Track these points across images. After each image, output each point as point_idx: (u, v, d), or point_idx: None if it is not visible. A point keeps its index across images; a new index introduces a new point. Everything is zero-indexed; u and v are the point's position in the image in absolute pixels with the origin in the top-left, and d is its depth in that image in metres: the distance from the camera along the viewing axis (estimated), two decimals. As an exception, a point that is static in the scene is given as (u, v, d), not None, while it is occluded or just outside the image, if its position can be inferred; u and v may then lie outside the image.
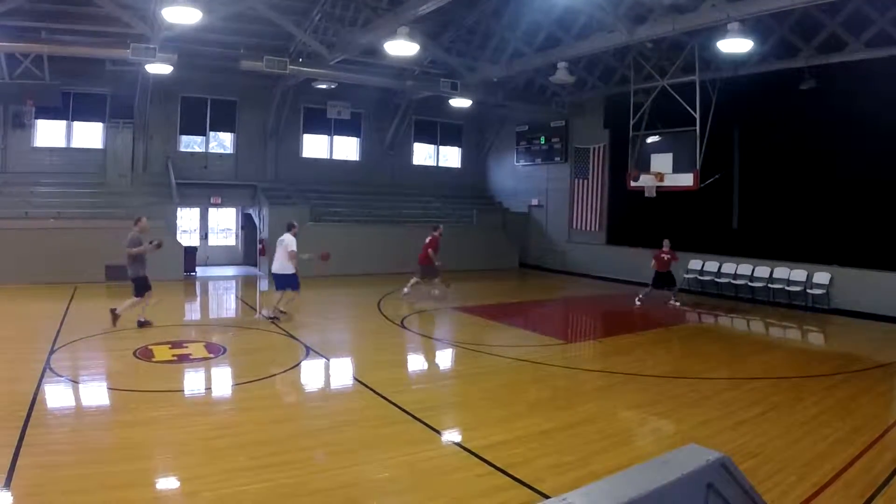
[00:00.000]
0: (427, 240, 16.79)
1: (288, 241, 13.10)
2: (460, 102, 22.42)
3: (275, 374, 8.96)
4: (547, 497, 4.92)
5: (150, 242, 11.79)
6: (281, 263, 13.08)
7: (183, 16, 13.12)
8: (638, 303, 16.21)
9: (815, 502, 5.19)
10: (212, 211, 23.53)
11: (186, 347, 10.33)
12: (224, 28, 17.03)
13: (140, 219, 12.07)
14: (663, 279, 16.34)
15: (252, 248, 23.17)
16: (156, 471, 5.70)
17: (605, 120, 22.16)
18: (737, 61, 16.38)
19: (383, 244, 21.90)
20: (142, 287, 11.69)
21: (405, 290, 16.56)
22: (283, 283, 13.18)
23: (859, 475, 5.74)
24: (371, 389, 8.26)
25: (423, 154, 27.90)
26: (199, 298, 17.57)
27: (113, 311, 11.56)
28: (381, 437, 6.61)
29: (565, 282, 22.02)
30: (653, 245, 18.01)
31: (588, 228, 23.03)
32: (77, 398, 7.82)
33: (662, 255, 16.17)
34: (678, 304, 16.37)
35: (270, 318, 12.96)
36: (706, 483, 2.86)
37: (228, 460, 5.79)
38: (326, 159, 25.11)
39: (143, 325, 11.66)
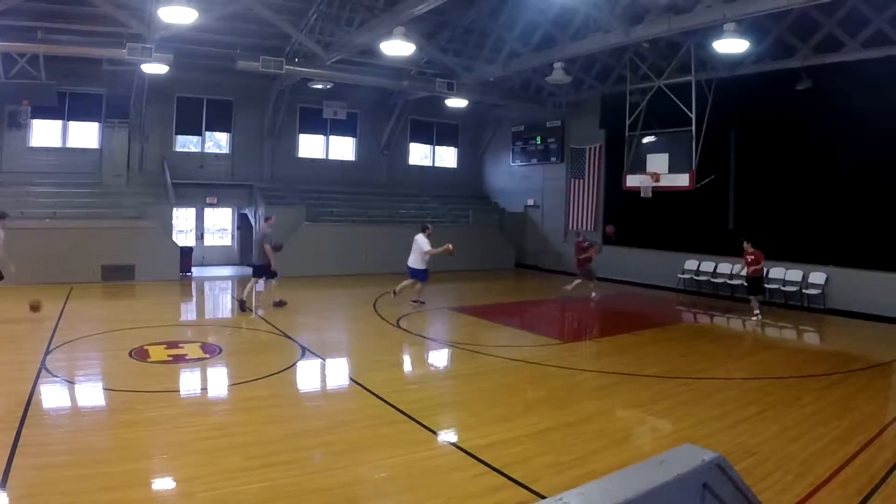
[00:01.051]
0: (586, 244, 17.52)
1: (421, 241, 15.11)
2: (456, 102, 22.41)
3: (271, 375, 8.94)
4: (543, 497, 4.92)
5: (273, 247, 14.32)
6: (414, 259, 15.19)
7: (179, 15, 13.09)
8: (756, 315, 14.71)
9: (811, 501, 5.21)
10: (208, 211, 23.47)
11: (182, 348, 10.31)
12: (220, 28, 17.01)
13: (270, 217, 15.08)
14: (751, 284, 14.90)
15: (248, 249, 23.11)
16: (152, 471, 5.69)
17: (602, 120, 22.20)
18: (733, 61, 16.40)
19: (379, 244, 21.90)
20: (263, 273, 14.37)
21: (569, 287, 17.49)
22: (414, 275, 15.26)
23: (856, 474, 5.76)
24: (367, 390, 8.25)
25: (419, 154, 27.90)
26: (194, 298, 17.54)
27: (241, 301, 13.94)
28: (378, 438, 6.60)
29: (561, 282, 21.97)
30: (648, 245, 18.08)
31: (584, 228, 23.02)
32: (73, 399, 7.80)
33: (746, 258, 14.66)
34: (757, 314, 14.74)
35: (415, 301, 15.26)
36: (702, 483, 2.86)
37: (225, 461, 5.78)
38: (322, 159, 25.09)
39: (278, 304, 14.38)
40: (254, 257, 14.59)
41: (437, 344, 12.16)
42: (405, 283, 15.35)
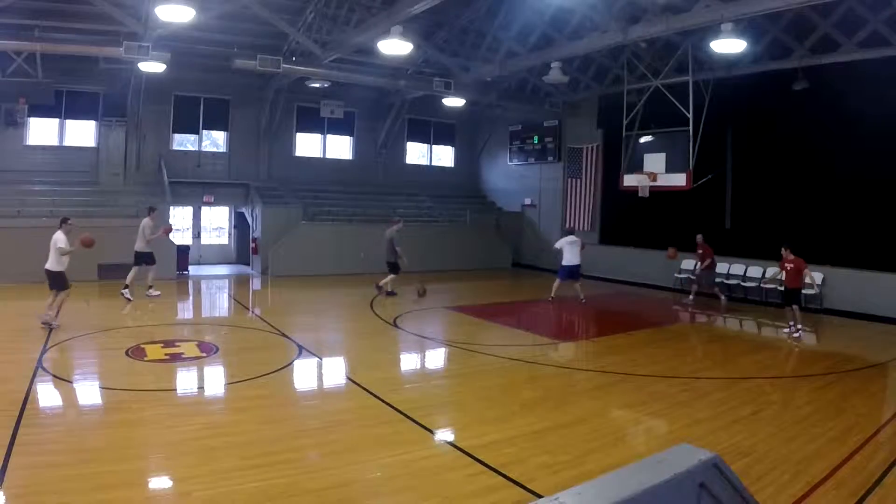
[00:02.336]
0: (704, 249, 16.52)
1: (576, 240, 16.53)
2: (454, 102, 22.39)
3: (267, 374, 8.94)
4: (539, 497, 4.92)
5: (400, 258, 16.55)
6: (569, 257, 16.39)
7: (176, 14, 13.08)
8: (797, 333, 12.88)
9: (807, 501, 5.21)
10: (204, 210, 23.46)
11: (179, 346, 10.30)
12: (217, 26, 16.98)
13: (399, 220, 17.56)
14: (789, 296, 13.16)
15: (245, 247, 23.12)
16: (148, 471, 5.68)
17: (599, 120, 22.20)
18: (730, 62, 16.41)
19: (376, 244, 21.84)
20: (395, 269, 16.51)
21: (691, 298, 16.90)
22: (574, 273, 16.48)
23: (852, 474, 5.77)
24: (364, 389, 8.25)
25: (416, 153, 27.89)
26: (191, 297, 17.53)
27: (377, 285, 16.32)
28: (374, 437, 6.60)
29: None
30: (645, 245, 18.06)
31: (581, 228, 23.02)
32: (69, 397, 7.79)
33: (785, 265, 13.09)
34: (796, 333, 12.90)
35: (581, 299, 16.27)
36: (698, 483, 2.86)
37: (221, 460, 5.78)
38: (319, 158, 25.07)
39: (390, 294, 16.31)
40: (386, 255, 16.69)
41: (434, 343, 12.16)
42: (577, 285, 16.50)
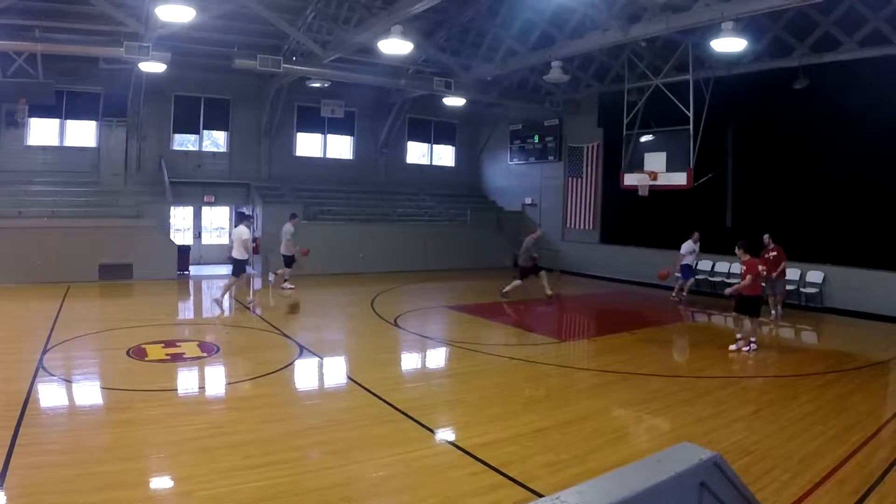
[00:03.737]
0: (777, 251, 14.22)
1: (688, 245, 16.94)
2: (454, 101, 22.39)
3: (268, 374, 8.94)
4: (541, 496, 4.92)
5: (533, 256, 16.88)
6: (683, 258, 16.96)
7: (176, 14, 13.09)
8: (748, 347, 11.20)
9: (808, 500, 5.21)
10: (205, 209, 23.45)
11: (180, 346, 10.30)
12: (218, 26, 16.99)
13: (536, 232, 17.96)
14: (744, 305, 11.33)
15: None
16: (149, 470, 5.68)
17: (599, 118, 22.20)
18: (731, 60, 16.41)
19: (377, 243, 21.92)
20: (525, 273, 16.71)
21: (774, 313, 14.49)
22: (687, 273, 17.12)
23: (853, 473, 5.77)
24: (365, 388, 8.25)
25: (416, 153, 27.88)
26: (192, 297, 17.53)
27: (504, 292, 16.37)
28: (375, 436, 6.60)
29: (559, 280, 22.00)
30: (646, 244, 18.01)
31: (582, 227, 23.06)
32: (70, 398, 7.79)
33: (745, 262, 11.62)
34: (746, 348, 11.20)
35: (678, 300, 16.95)
36: (699, 482, 2.86)
37: (222, 460, 5.78)
38: (320, 158, 25.08)
39: (505, 294, 16.37)
40: (520, 260, 17.15)
41: (435, 342, 12.15)
42: (688, 282, 17.23)
